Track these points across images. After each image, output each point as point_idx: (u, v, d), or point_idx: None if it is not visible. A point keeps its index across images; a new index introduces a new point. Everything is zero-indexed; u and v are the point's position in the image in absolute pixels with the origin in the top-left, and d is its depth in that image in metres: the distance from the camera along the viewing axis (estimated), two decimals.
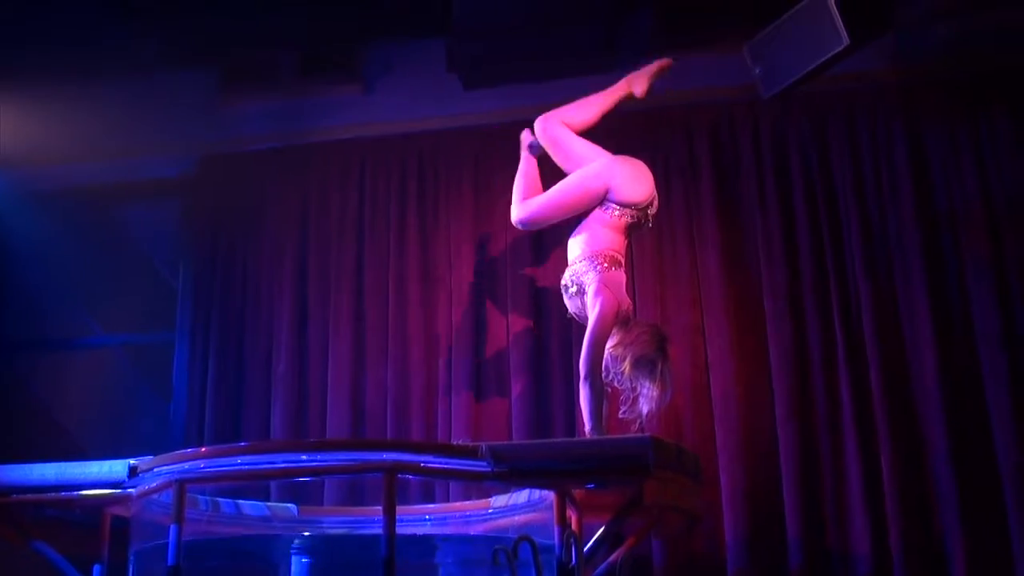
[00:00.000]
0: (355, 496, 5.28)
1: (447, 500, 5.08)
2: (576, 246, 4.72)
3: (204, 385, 5.80)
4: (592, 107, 4.93)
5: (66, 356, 6.44)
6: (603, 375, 4.48)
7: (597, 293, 4.54)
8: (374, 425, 5.55)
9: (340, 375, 5.65)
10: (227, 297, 5.95)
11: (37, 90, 6.07)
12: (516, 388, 5.47)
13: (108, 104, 6.20)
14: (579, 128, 4.90)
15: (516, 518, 4.29)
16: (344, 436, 5.43)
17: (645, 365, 4.45)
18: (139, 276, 6.29)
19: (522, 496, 4.21)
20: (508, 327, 5.58)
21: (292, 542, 4.39)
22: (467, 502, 4.64)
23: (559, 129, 4.89)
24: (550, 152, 4.91)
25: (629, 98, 4.96)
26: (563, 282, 4.73)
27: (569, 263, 4.73)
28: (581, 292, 4.64)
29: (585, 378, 4.43)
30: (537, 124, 4.93)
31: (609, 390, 4.51)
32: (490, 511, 4.44)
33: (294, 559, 4.30)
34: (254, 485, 4.70)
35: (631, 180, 4.69)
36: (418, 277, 5.75)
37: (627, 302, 4.65)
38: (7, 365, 6.30)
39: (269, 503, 4.66)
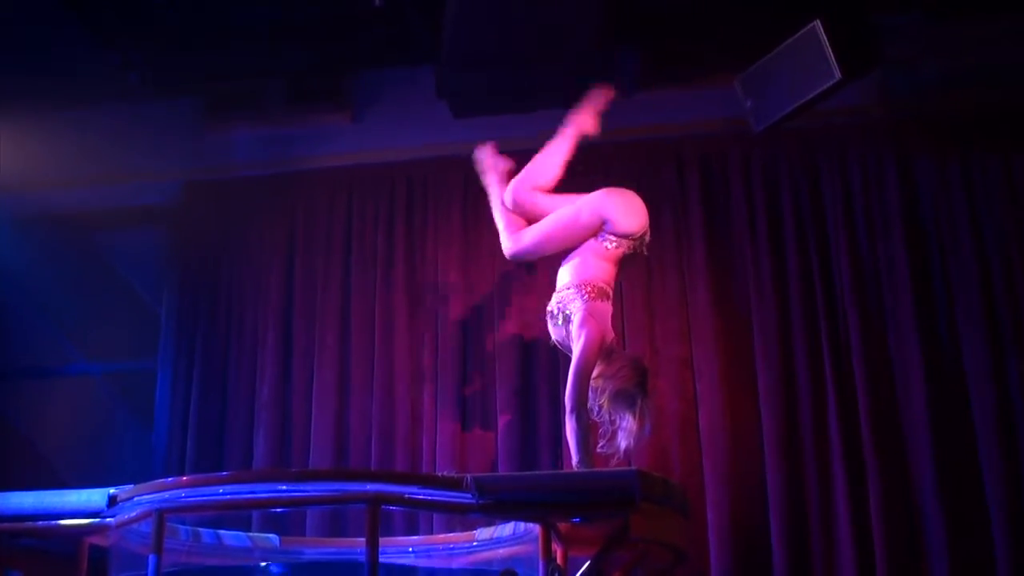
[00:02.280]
0: (338, 527, 5.24)
1: (431, 532, 5.03)
2: (566, 273, 4.68)
3: (186, 413, 5.75)
4: (554, 162, 4.84)
5: (47, 384, 6.36)
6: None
7: (582, 324, 4.49)
8: (358, 455, 5.50)
9: (324, 404, 5.60)
10: (211, 325, 5.91)
11: (22, 116, 6.04)
12: (502, 419, 5.43)
13: (94, 130, 6.20)
14: (549, 187, 4.83)
15: (501, 551, 4.26)
16: (327, 466, 5.38)
17: (625, 399, 4.41)
18: (122, 303, 6.22)
19: (507, 529, 4.17)
20: (495, 357, 5.55)
21: (270, 572, 4.34)
22: (451, 534, 4.61)
23: (531, 196, 4.81)
24: (527, 219, 4.85)
25: (584, 138, 4.89)
26: (549, 309, 4.69)
27: (556, 290, 4.69)
28: (567, 320, 4.60)
29: (571, 412, 4.38)
30: (507, 195, 4.86)
31: (590, 422, 4.47)
32: (474, 544, 4.40)
33: None
34: (235, 515, 4.65)
35: (626, 212, 4.66)
36: (404, 305, 5.71)
37: (611, 334, 4.62)
38: None
39: (250, 533, 4.60)
